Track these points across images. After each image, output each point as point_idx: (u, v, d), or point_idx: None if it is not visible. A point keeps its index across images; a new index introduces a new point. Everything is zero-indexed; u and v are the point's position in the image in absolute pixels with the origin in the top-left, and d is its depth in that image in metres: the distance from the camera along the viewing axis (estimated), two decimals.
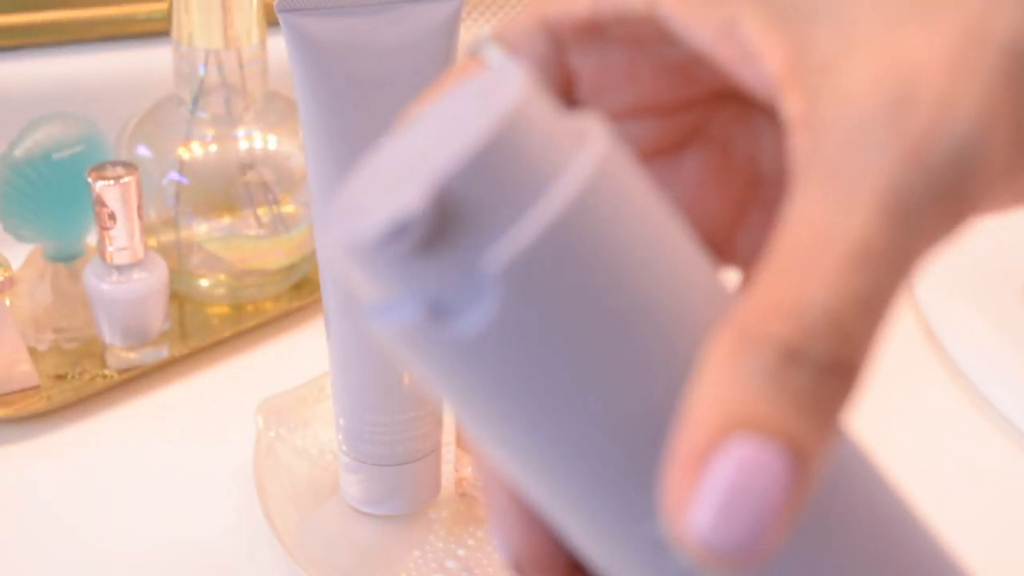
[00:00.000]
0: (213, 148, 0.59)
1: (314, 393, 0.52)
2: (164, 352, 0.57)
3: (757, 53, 0.21)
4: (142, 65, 0.67)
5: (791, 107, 0.20)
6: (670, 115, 0.25)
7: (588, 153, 0.19)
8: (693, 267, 0.20)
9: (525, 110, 0.18)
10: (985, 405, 0.56)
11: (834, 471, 0.21)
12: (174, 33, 0.57)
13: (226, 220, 0.59)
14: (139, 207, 0.53)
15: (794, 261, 0.19)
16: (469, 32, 0.70)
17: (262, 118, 0.60)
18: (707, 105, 0.25)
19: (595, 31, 0.23)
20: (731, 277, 0.24)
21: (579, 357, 0.19)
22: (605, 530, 0.20)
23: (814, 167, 0.19)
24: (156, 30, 0.67)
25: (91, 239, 0.57)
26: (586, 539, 0.21)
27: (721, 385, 0.18)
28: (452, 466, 0.49)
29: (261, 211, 0.59)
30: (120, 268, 0.54)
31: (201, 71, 0.58)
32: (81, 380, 0.55)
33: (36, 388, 0.55)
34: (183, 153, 0.59)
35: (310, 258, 0.62)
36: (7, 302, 0.54)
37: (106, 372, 0.56)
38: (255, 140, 0.59)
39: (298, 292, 0.62)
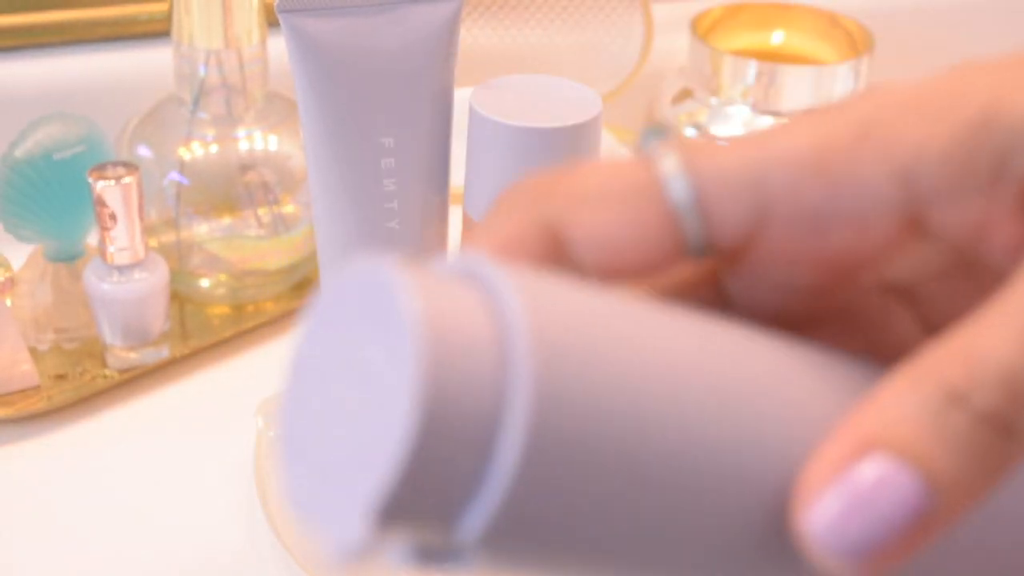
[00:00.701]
0: (214, 148, 0.59)
1: None
2: (165, 352, 0.57)
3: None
4: (143, 65, 0.67)
5: None
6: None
7: (520, 365, 0.17)
8: (702, 377, 0.18)
9: (435, 353, 0.16)
10: None
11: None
12: (174, 34, 0.58)
13: (227, 220, 0.60)
14: (140, 207, 0.53)
15: (993, 322, 0.19)
16: (469, 33, 0.70)
17: (262, 118, 0.60)
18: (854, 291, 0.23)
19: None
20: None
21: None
22: None
23: None
24: (157, 31, 0.68)
25: (92, 239, 0.57)
26: None
27: (882, 409, 0.19)
28: None
29: (261, 211, 0.60)
30: (121, 268, 0.54)
31: (202, 71, 0.58)
32: (82, 380, 0.56)
33: (37, 388, 0.55)
34: (184, 153, 0.59)
35: (310, 258, 0.62)
36: (8, 302, 0.54)
37: (107, 372, 0.56)
38: (255, 140, 0.60)
39: (299, 292, 0.62)
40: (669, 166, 0.20)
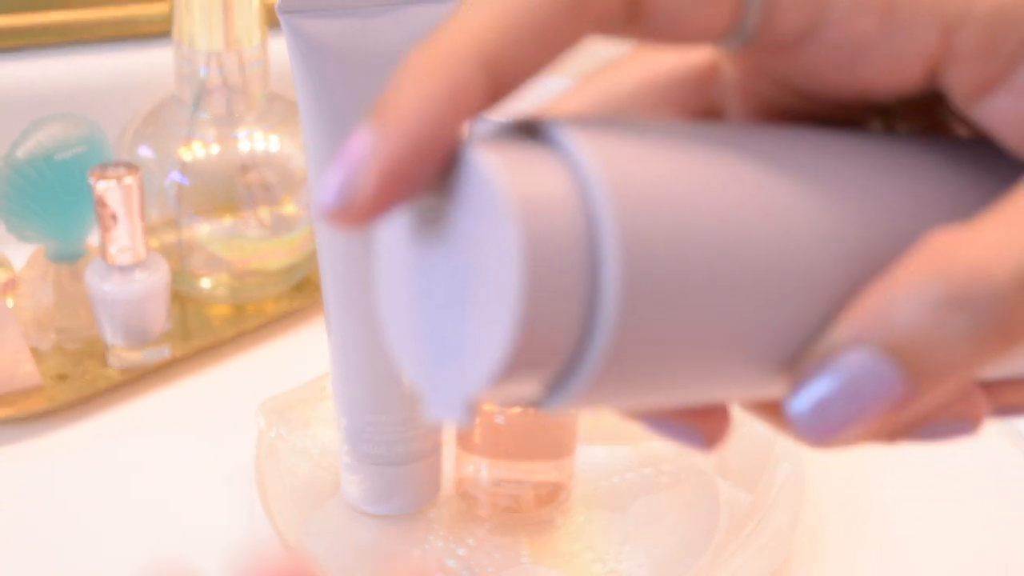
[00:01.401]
0: (214, 149, 0.59)
1: (315, 393, 0.52)
2: (166, 352, 0.57)
3: None
4: (144, 66, 0.67)
5: None
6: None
7: (608, 220, 0.18)
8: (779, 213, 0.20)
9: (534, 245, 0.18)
10: None
11: None
12: (175, 34, 0.58)
13: (227, 221, 0.60)
14: (141, 208, 0.53)
15: (999, 228, 0.20)
16: None
17: (263, 119, 0.60)
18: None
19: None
20: None
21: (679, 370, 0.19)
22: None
23: None
24: (158, 31, 0.68)
25: (93, 240, 0.58)
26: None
27: (884, 303, 0.20)
28: (452, 466, 0.49)
29: (262, 212, 0.60)
30: (122, 268, 0.54)
31: (202, 72, 0.58)
32: (83, 380, 0.56)
33: (38, 388, 0.55)
34: (184, 154, 0.59)
35: (311, 258, 0.62)
36: (9, 303, 0.54)
37: (108, 372, 0.56)
38: (256, 141, 0.60)
39: (299, 292, 0.63)
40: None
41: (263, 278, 0.61)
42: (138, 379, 0.57)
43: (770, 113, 0.23)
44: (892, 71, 0.22)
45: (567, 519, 0.48)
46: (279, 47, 0.46)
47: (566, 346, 0.18)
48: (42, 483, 0.51)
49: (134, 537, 0.48)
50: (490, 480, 0.48)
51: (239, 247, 0.60)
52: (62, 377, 0.56)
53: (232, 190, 0.59)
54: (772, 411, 0.22)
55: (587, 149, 0.18)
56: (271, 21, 0.52)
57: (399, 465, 0.46)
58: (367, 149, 0.19)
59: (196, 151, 0.59)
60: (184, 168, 0.59)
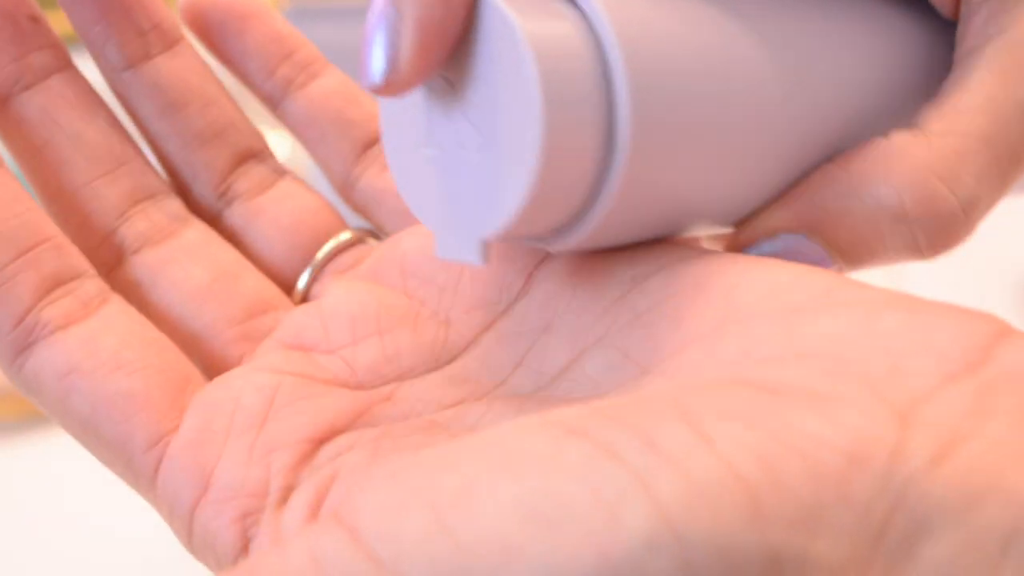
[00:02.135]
0: None
1: None
2: None
3: None
4: None
5: None
6: None
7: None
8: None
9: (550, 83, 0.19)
10: None
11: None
12: None
13: None
14: None
15: (933, 138, 0.23)
16: None
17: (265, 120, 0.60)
18: None
19: None
20: None
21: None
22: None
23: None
24: None
25: None
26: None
27: (823, 201, 0.24)
28: None
29: None
30: None
31: None
32: None
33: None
34: None
35: None
36: None
37: None
38: None
39: None
40: None
41: None
42: None
43: None
44: None
45: None
46: None
47: (583, 174, 0.20)
48: (42, 483, 0.51)
49: (134, 536, 0.48)
50: None
51: None
52: None
53: None
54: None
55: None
56: None
57: None
58: (396, 17, 0.20)
59: None
60: None
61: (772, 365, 0.18)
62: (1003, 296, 0.60)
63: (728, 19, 0.22)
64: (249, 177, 0.29)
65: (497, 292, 0.25)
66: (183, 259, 0.27)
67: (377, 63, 0.20)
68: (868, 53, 0.25)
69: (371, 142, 0.29)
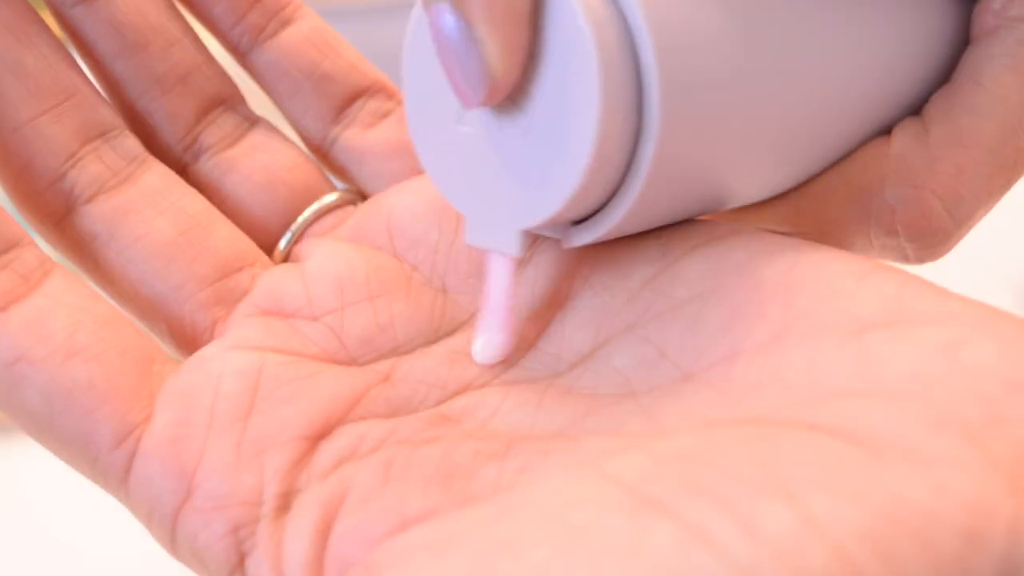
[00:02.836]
0: None
1: None
2: None
3: None
4: None
5: None
6: None
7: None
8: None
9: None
10: None
11: None
12: None
13: None
14: None
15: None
16: None
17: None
18: None
19: None
20: None
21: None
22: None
23: None
24: None
25: None
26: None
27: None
28: None
29: None
30: None
31: None
32: None
33: None
34: None
35: None
36: None
37: None
38: None
39: None
40: None
41: None
42: None
43: None
44: None
45: None
46: None
47: (620, 160, 0.19)
48: (43, 483, 0.49)
49: (135, 536, 0.46)
50: None
51: None
52: None
53: None
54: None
55: None
56: None
57: None
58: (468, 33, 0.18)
59: None
60: None
61: (853, 406, 0.16)
62: (1003, 297, 0.59)
63: None
64: (218, 127, 0.25)
65: None
66: (144, 208, 0.23)
67: (473, 71, 0.18)
68: (891, 28, 0.23)
69: (351, 98, 0.26)
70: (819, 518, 0.14)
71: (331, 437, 0.20)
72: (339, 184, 0.26)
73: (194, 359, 0.21)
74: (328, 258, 0.23)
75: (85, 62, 0.25)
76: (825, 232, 0.23)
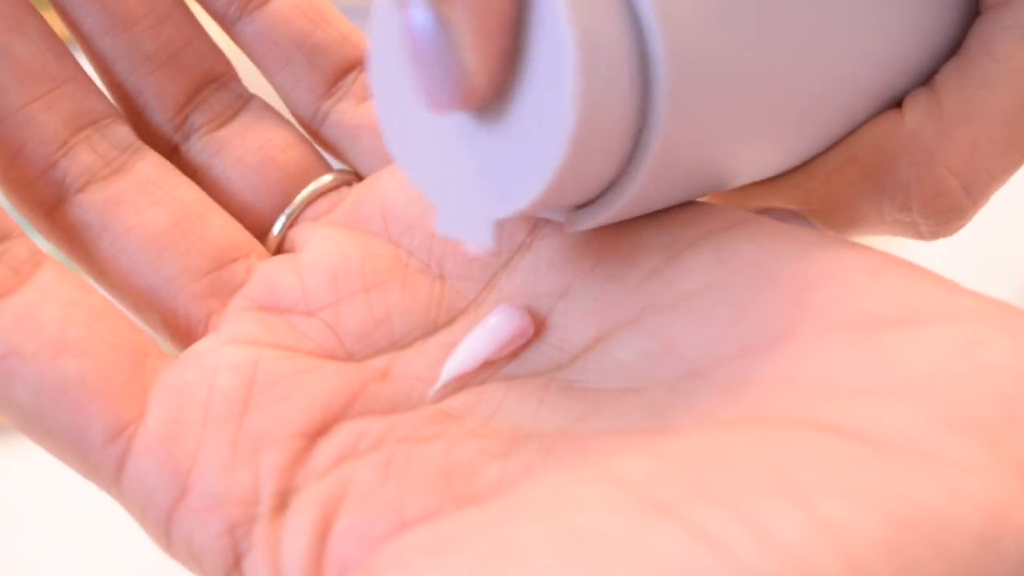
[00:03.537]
0: None
1: None
2: None
3: None
4: None
5: None
6: None
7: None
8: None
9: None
10: None
11: None
12: None
13: None
14: None
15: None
16: None
17: None
18: None
19: None
20: None
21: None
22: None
23: None
24: None
25: None
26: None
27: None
28: None
29: None
30: None
31: None
32: None
33: None
34: None
35: None
36: None
37: None
38: None
39: None
40: None
41: None
42: None
43: None
44: None
45: None
46: None
47: (613, 147, 0.18)
48: (43, 483, 0.48)
49: (134, 536, 0.46)
50: None
51: None
52: None
53: None
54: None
55: None
56: None
57: None
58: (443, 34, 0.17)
59: None
60: None
61: (865, 405, 0.15)
62: (1003, 297, 0.59)
63: None
64: (210, 106, 0.25)
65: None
66: (137, 198, 0.23)
67: (449, 78, 0.17)
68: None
69: (343, 70, 0.25)
70: (831, 523, 0.13)
71: (330, 434, 0.20)
72: (334, 164, 0.26)
73: (188, 354, 0.21)
74: (322, 248, 0.23)
75: (73, 39, 0.24)
76: (836, 209, 0.23)
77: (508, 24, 0.17)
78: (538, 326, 0.21)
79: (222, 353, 0.21)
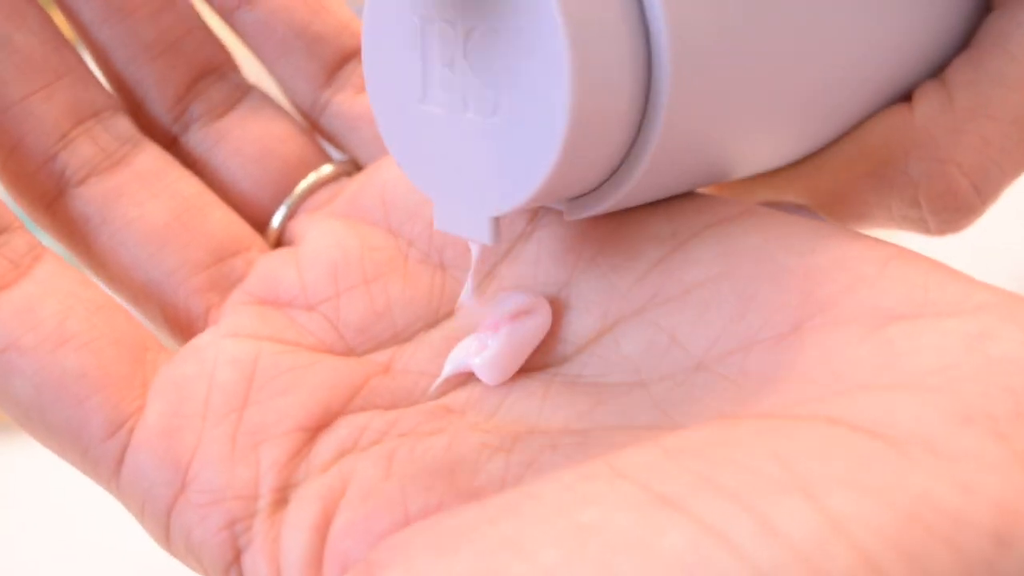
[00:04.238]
0: None
1: None
2: None
3: None
4: None
5: None
6: None
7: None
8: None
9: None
10: None
11: None
12: None
13: None
14: None
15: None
16: None
17: None
18: None
19: None
20: None
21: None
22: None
23: None
24: None
25: None
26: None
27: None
28: None
29: None
30: None
31: None
32: None
33: None
34: None
35: None
36: None
37: None
38: None
39: None
40: None
41: None
42: None
43: None
44: None
45: None
46: None
47: (612, 142, 0.18)
48: (43, 483, 0.48)
49: (134, 536, 0.46)
50: None
51: None
52: None
53: None
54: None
55: None
56: None
57: None
58: None
59: None
60: None
61: (875, 400, 0.15)
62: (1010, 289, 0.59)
63: None
64: (209, 96, 0.24)
65: None
66: (137, 191, 0.23)
67: None
68: None
69: (343, 60, 0.25)
70: (841, 519, 0.13)
71: (330, 429, 0.19)
72: (334, 154, 0.25)
73: (188, 348, 0.21)
74: (322, 240, 0.22)
75: (71, 28, 0.24)
76: (843, 204, 0.22)
77: None
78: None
79: (222, 347, 0.20)
